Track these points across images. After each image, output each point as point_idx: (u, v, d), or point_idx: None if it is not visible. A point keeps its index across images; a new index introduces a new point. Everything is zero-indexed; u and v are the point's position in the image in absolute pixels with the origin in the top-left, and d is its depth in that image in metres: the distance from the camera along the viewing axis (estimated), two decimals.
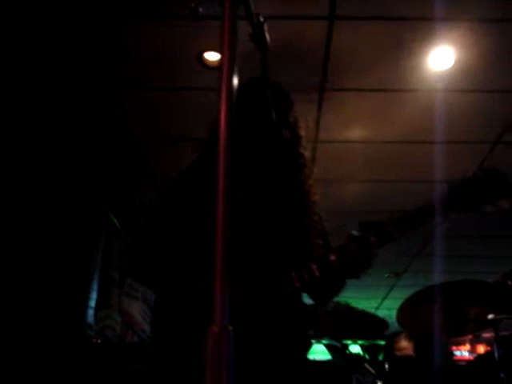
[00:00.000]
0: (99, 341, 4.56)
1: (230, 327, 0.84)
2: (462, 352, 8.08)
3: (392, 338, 4.79)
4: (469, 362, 6.66)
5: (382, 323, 3.42)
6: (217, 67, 3.37)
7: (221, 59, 1.00)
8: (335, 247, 1.66)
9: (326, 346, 8.80)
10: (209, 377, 0.82)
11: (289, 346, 1.69)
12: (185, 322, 1.60)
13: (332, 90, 3.68)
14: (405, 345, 4.63)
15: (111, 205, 5.28)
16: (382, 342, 6.73)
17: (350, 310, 3.36)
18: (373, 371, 3.36)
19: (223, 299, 0.84)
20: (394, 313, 3.46)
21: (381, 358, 6.71)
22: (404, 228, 1.59)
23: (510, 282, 4.09)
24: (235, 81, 0.99)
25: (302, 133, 1.89)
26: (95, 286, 4.89)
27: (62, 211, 4.43)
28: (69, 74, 3.51)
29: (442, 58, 3.36)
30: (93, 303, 4.84)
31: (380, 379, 3.26)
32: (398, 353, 4.60)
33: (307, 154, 1.91)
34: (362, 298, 3.50)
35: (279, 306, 1.65)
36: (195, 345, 1.29)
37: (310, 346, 1.82)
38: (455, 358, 7.72)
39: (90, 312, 4.83)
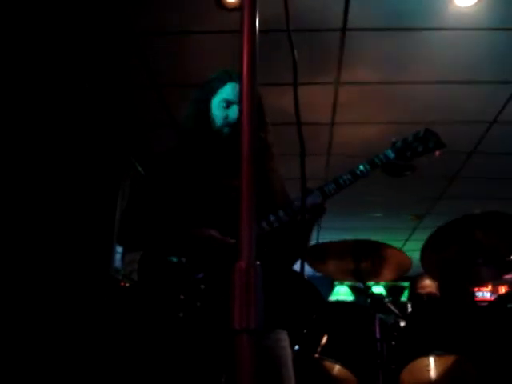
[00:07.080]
0: (127, 284, 4.67)
1: (258, 262, 0.85)
2: (484, 293, 8.14)
3: (416, 278, 4.83)
4: (490, 302, 6.71)
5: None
6: (236, 8, 3.31)
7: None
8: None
9: (349, 287, 8.93)
10: (237, 313, 0.83)
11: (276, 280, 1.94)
12: (163, 273, 1.91)
13: (354, 30, 3.60)
14: (428, 283, 4.65)
15: (135, 153, 5.32)
16: (405, 284, 6.79)
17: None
18: (396, 311, 3.41)
19: (249, 237, 0.85)
20: (416, 254, 3.48)
21: (403, 298, 6.79)
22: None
23: None
24: (257, 21, 0.96)
25: (267, 119, 2.09)
26: None
27: (86, 160, 4.48)
28: (87, 20, 3.48)
29: None
30: (119, 248, 4.95)
31: (403, 319, 3.30)
32: (421, 290, 4.62)
33: (270, 138, 2.09)
34: (385, 239, 3.52)
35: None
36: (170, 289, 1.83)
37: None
38: (477, 299, 7.78)
39: (117, 257, 4.95)
